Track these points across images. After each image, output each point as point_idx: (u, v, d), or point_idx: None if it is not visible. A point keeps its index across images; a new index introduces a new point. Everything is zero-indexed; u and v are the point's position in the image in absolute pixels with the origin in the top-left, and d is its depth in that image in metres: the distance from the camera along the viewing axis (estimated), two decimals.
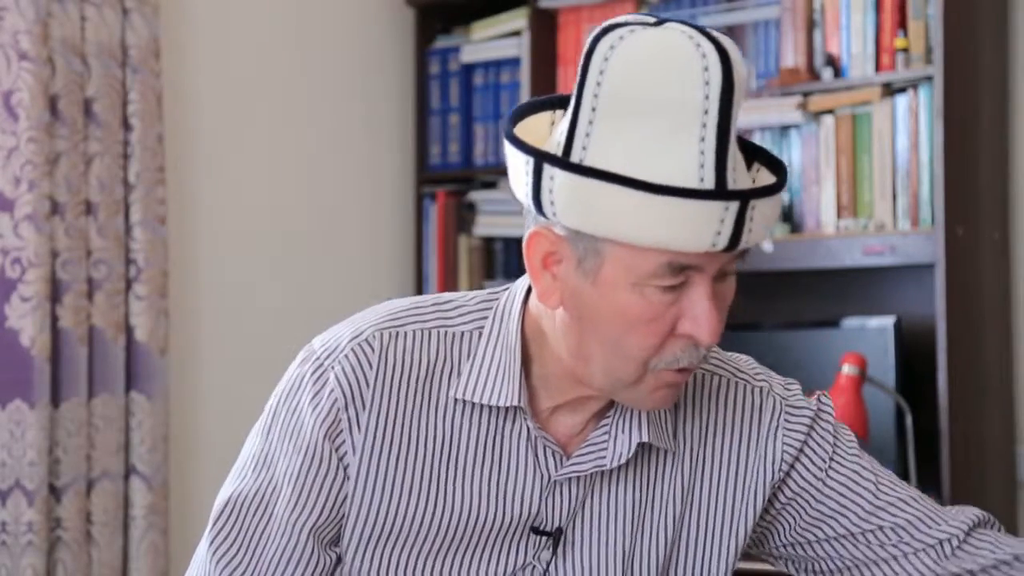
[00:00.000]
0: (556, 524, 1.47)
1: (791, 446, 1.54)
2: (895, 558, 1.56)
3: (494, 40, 4.04)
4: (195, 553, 1.52)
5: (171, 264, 3.51)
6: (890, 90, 3.41)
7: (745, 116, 3.58)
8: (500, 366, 1.45)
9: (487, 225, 4.07)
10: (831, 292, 3.64)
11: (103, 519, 3.34)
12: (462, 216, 4.10)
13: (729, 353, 1.59)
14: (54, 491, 3.28)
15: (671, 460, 1.51)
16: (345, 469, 1.45)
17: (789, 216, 3.55)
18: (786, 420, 1.54)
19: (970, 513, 1.59)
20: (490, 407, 1.45)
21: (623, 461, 1.46)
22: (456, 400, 1.45)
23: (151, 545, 3.40)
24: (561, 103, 1.43)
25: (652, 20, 1.36)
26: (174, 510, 3.50)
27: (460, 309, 1.49)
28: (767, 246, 3.36)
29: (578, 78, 1.35)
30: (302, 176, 3.90)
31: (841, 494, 1.56)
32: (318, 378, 1.45)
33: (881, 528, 1.56)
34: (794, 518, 1.58)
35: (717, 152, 1.30)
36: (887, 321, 3.41)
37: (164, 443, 3.42)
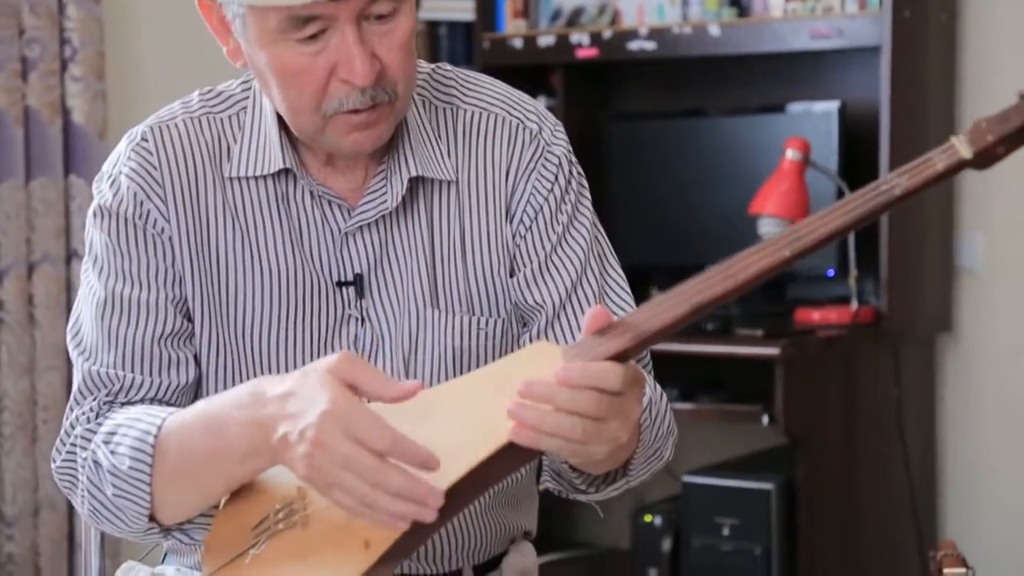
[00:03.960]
0: (356, 273, 1.55)
1: (542, 188, 1.57)
2: None
3: None
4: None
5: (108, 48, 3.44)
6: None
7: None
8: (265, 137, 1.54)
9: None
10: (777, 77, 3.62)
11: (46, 302, 3.33)
12: None
13: (515, 92, 1.63)
14: None
15: (453, 192, 1.56)
16: (169, 240, 1.53)
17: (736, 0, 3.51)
18: (543, 162, 1.58)
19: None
20: (267, 176, 1.54)
21: (399, 200, 1.53)
22: (236, 178, 1.55)
23: None
24: None
25: None
26: None
27: (222, 95, 1.59)
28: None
29: None
30: None
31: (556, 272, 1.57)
32: (112, 184, 1.55)
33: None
34: (521, 284, 1.58)
35: None
36: (831, 106, 3.41)
37: None
